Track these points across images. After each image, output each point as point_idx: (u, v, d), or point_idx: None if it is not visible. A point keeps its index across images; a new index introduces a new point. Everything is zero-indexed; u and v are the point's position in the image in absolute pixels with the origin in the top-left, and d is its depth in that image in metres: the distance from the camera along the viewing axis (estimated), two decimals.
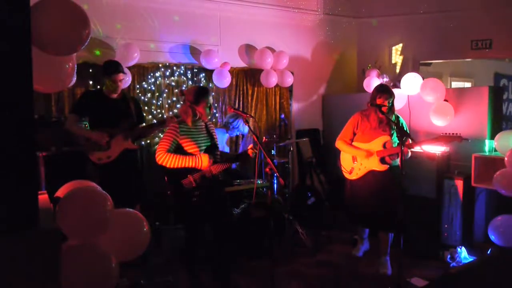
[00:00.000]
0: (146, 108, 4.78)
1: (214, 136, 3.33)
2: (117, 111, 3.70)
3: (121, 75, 3.69)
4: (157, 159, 3.06)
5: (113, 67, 3.65)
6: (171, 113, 4.92)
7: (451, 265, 3.95)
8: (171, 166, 3.05)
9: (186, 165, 3.05)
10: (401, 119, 3.85)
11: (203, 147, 3.17)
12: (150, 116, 4.80)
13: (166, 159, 3.03)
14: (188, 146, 3.12)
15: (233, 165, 4.76)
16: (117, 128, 3.65)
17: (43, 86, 2.19)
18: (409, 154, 3.74)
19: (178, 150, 3.12)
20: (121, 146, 3.64)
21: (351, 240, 4.54)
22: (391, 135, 3.72)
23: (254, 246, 4.07)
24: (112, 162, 3.59)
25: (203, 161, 3.08)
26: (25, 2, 1.66)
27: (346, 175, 3.96)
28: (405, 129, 3.79)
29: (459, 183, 4.15)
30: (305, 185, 5.57)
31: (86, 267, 2.05)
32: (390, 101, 3.67)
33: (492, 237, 3.75)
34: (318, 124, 6.22)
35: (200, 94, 3.15)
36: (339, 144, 3.92)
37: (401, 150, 3.24)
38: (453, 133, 3.62)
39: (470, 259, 3.96)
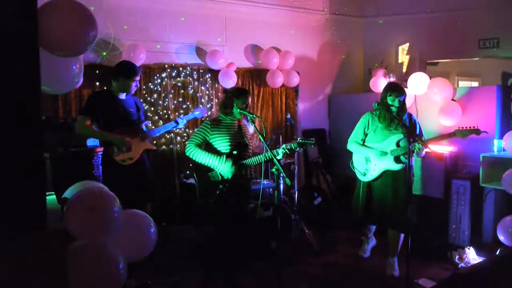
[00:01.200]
0: (152, 108, 4.80)
1: (247, 136, 3.41)
2: (128, 112, 3.66)
3: (139, 76, 3.68)
4: (186, 151, 3.28)
5: (134, 70, 3.57)
6: (177, 113, 4.94)
7: (460, 265, 3.92)
8: (197, 161, 3.25)
9: (209, 164, 3.23)
10: (414, 117, 3.80)
11: (233, 144, 3.27)
12: (156, 117, 4.82)
13: (194, 153, 3.24)
14: (218, 143, 3.27)
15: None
16: (135, 129, 3.63)
17: (50, 88, 2.20)
18: (423, 153, 3.67)
19: (208, 146, 3.30)
20: (141, 147, 3.63)
21: (358, 240, 4.52)
22: (404, 133, 3.60)
23: (260, 246, 4.06)
24: (133, 163, 3.57)
25: (225, 166, 3.22)
26: (33, 3, 1.67)
27: (360, 177, 3.87)
28: (418, 128, 3.74)
29: (467, 183, 4.11)
30: (311, 185, 5.56)
31: (94, 267, 2.06)
32: (401, 99, 3.60)
33: (501, 238, 3.71)
34: (324, 124, 6.21)
35: (241, 90, 3.45)
36: (351, 146, 3.87)
37: (408, 151, 3.21)
38: (469, 127, 3.49)
39: (478, 259, 3.93)
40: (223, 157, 3.23)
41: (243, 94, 3.34)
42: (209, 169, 3.26)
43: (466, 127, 3.47)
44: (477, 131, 3.42)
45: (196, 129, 3.38)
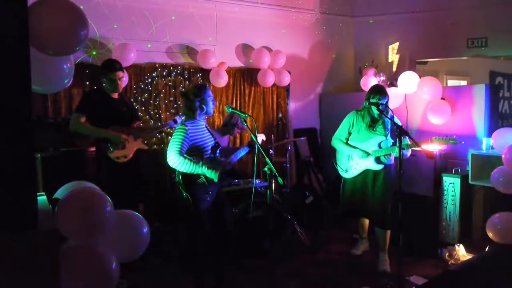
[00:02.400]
0: (143, 108, 4.77)
1: (213, 135, 3.33)
2: (121, 111, 3.67)
3: (119, 73, 3.63)
4: (169, 162, 3.00)
5: (110, 66, 3.60)
6: (168, 113, 4.92)
7: (450, 262, 3.97)
8: (185, 171, 3.00)
9: (196, 172, 3.02)
10: (396, 119, 3.86)
11: (209, 146, 3.17)
12: (147, 116, 4.79)
13: (179, 163, 2.97)
14: (200, 146, 3.12)
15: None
16: (128, 128, 3.63)
17: (41, 87, 2.18)
18: (409, 153, 3.76)
19: (191, 151, 3.08)
20: (134, 146, 3.63)
21: (350, 239, 4.55)
22: (385, 135, 3.77)
23: (253, 245, 4.07)
24: (126, 162, 3.56)
25: (214, 174, 3.03)
26: (23, 2, 1.65)
27: (342, 174, 4.00)
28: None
29: (457, 181, 4.16)
30: (303, 184, 5.58)
31: (86, 268, 2.04)
32: (384, 101, 3.69)
33: (490, 235, 3.76)
34: (316, 123, 6.23)
35: (201, 87, 3.18)
36: (334, 143, 3.98)
37: (399, 149, 3.25)
38: (446, 137, 3.61)
39: (468, 256, 3.98)
40: (207, 165, 3.04)
41: (204, 90, 3.14)
42: (196, 176, 3.06)
43: (444, 136, 3.58)
44: (454, 141, 3.52)
45: (173, 136, 3.06)
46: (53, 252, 1.76)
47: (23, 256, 1.66)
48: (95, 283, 2.06)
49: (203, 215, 3.13)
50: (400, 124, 3.85)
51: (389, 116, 3.69)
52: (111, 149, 3.48)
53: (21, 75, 1.65)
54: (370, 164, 3.77)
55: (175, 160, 2.96)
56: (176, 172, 3.12)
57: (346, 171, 3.94)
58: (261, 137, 3.37)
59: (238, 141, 5.38)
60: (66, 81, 2.28)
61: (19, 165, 1.66)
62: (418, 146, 3.45)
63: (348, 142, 3.92)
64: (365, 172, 3.82)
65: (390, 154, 3.71)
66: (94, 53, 4.45)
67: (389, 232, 3.89)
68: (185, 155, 3.01)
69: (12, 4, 1.62)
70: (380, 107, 3.62)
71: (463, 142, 3.58)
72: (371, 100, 3.68)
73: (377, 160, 3.75)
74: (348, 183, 3.97)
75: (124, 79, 4.35)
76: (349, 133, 3.91)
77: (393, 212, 3.73)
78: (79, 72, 4.26)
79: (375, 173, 3.79)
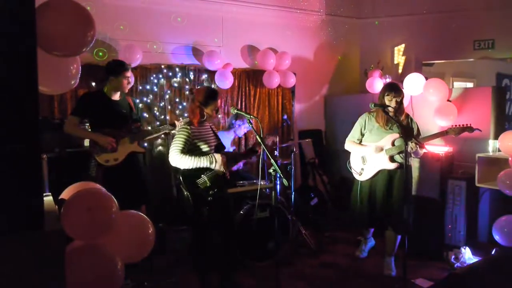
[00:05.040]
0: (149, 109, 4.79)
1: (218, 137, 3.33)
2: (120, 113, 3.68)
3: (129, 72, 3.68)
4: (171, 161, 3.06)
5: (121, 66, 3.63)
6: (173, 114, 4.92)
7: (456, 265, 3.95)
8: (187, 167, 3.05)
9: (201, 165, 3.06)
10: (411, 118, 3.81)
11: (213, 147, 3.17)
12: (152, 118, 4.81)
13: (181, 160, 3.03)
14: (201, 146, 3.14)
15: (240, 165, 4.77)
16: (124, 130, 3.64)
17: (48, 88, 2.19)
18: (421, 153, 3.66)
19: (190, 151, 3.12)
20: (128, 148, 3.63)
21: (355, 240, 4.53)
22: (399, 133, 3.64)
23: (257, 247, 4.07)
24: (118, 164, 3.58)
25: (217, 160, 3.09)
26: (31, 3, 1.66)
27: (356, 177, 3.90)
28: (415, 129, 3.75)
29: (463, 184, 4.14)
30: (308, 186, 5.57)
31: (91, 268, 2.05)
32: (398, 100, 3.64)
33: (496, 237, 3.74)
34: (321, 125, 6.22)
35: (210, 96, 3.18)
36: (347, 145, 3.92)
37: (405, 151, 3.24)
38: (462, 125, 3.50)
39: (474, 259, 3.95)
40: (211, 155, 3.10)
41: (212, 98, 3.16)
42: (196, 176, 3.11)
43: (459, 125, 3.50)
44: (470, 129, 3.44)
45: (175, 136, 3.15)
46: (59, 252, 1.76)
47: (29, 256, 1.67)
48: (101, 283, 2.06)
49: (204, 215, 3.12)
50: (416, 125, 3.79)
51: (404, 116, 3.65)
52: (99, 152, 3.51)
53: (28, 76, 1.66)
54: (384, 164, 3.67)
55: (177, 158, 3.02)
56: (179, 172, 3.13)
57: (361, 174, 3.83)
58: (272, 139, 3.38)
59: (243, 141, 5.38)
60: (72, 82, 2.29)
61: (25, 166, 1.67)
62: (422, 147, 3.42)
63: (362, 143, 3.84)
64: (380, 173, 3.72)
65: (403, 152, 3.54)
66: (100, 54, 4.47)
67: (399, 237, 3.80)
68: (187, 153, 3.05)
69: (20, 6, 1.63)
70: (391, 106, 3.58)
71: (480, 130, 3.48)
72: (385, 98, 3.65)
73: (391, 159, 3.66)
74: (364, 186, 3.84)
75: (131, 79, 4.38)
76: (362, 134, 3.85)
77: (408, 217, 3.62)
78: (85, 73, 4.26)
79: (390, 173, 3.69)
